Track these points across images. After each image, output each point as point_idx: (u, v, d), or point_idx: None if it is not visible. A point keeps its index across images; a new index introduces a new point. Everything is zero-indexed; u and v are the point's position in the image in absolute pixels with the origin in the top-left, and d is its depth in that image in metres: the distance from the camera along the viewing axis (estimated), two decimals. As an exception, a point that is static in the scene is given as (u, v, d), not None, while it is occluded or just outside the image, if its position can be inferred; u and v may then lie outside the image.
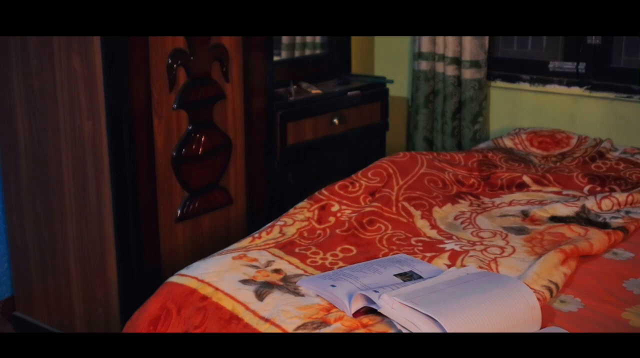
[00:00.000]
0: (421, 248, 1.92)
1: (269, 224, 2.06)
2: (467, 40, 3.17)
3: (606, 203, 2.22)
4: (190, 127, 2.39)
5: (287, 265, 1.80)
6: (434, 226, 2.10)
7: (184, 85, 2.36)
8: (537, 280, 1.69)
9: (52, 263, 2.53)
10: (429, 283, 1.55)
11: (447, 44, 3.23)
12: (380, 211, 2.14)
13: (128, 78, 2.21)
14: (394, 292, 1.48)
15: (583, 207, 2.18)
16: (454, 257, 1.84)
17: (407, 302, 1.44)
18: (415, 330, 1.39)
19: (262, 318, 1.54)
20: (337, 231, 2.03)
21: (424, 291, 1.50)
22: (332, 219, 2.11)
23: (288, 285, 1.68)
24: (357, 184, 2.27)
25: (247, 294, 1.63)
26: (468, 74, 3.21)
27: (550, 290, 1.66)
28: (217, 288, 1.66)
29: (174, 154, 2.36)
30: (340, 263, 1.83)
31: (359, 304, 1.52)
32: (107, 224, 2.30)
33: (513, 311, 1.48)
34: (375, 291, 1.51)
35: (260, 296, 1.62)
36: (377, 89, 3.17)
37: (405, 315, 1.42)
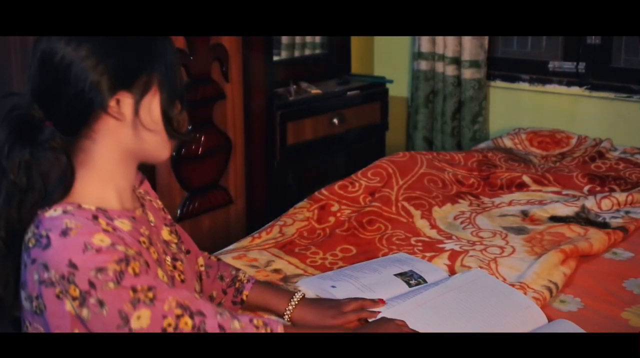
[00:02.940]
0: (421, 248, 1.92)
1: (269, 224, 2.06)
2: (467, 40, 3.17)
3: (606, 203, 2.22)
4: (189, 127, 2.39)
5: (287, 265, 1.80)
6: (433, 226, 2.10)
7: (184, 85, 2.36)
8: (536, 280, 1.69)
9: (51, 263, 2.53)
10: (420, 299, 1.53)
11: (446, 44, 3.23)
12: (380, 211, 2.14)
13: (128, 78, 2.21)
14: (385, 311, 1.47)
15: (583, 206, 2.18)
16: (453, 257, 1.84)
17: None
18: None
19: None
20: (337, 231, 2.03)
21: (413, 306, 1.49)
22: (331, 219, 2.10)
23: (288, 285, 1.68)
24: (357, 184, 2.27)
25: (247, 294, 1.63)
26: (468, 73, 3.21)
27: (550, 290, 1.66)
28: (216, 288, 1.66)
29: (174, 153, 2.36)
30: (340, 263, 1.83)
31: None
32: (106, 224, 2.30)
33: (506, 318, 1.48)
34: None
35: (260, 296, 1.62)
36: (376, 88, 3.18)
37: None
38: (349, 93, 3.03)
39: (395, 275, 1.66)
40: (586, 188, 2.42)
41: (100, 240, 1.12)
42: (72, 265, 1.10)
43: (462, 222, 2.12)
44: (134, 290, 1.13)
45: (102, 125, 1.17)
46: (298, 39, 3.22)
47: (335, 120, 2.93)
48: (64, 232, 1.11)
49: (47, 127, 1.15)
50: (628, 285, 1.73)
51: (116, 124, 1.17)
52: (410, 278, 1.65)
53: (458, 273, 1.70)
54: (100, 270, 1.10)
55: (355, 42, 3.44)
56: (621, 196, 2.26)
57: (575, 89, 3.10)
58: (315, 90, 2.94)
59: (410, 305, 1.50)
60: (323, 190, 2.22)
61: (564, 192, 2.39)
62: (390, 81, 3.23)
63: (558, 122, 3.11)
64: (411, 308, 1.48)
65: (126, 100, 1.17)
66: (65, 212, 1.14)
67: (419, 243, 1.96)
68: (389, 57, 3.59)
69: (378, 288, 1.59)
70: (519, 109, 3.26)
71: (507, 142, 2.91)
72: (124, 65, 1.16)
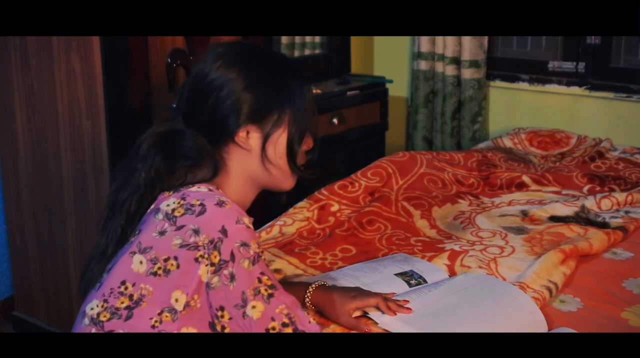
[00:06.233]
0: (420, 248, 1.92)
1: (269, 224, 2.06)
2: (467, 40, 3.17)
3: (605, 203, 2.22)
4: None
5: (287, 265, 1.80)
6: (433, 226, 2.10)
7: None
8: (536, 280, 1.69)
9: (51, 263, 2.53)
10: (425, 301, 1.53)
11: (446, 44, 3.23)
12: (380, 211, 2.14)
13: (127, 78, 2.21)
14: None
15: (582, 206, 2.18)
16: (453, 257, 1.84)
17: (401, 323, 1.43)
18: None
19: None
20: (337, 231, 2.03)
21: (418, 307, 1.49)
22: (331, 219, 2.11)
23: (288, 285, 1.68)
24: (357, 184, 2.27)
25: (246, 294, 1.63)
26: (467, 73, 3.21)
27: (550, 290, 1.66)
28: (216, 288, 1.66)
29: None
30: (340, 263, 1.83)
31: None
32: (106, 224, 2.30)
33: (511, 321, 1.47)
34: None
35: (260, 296, 1.62)
36: (376, 88, 3.17)
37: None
38: (348, 93, 3.03)
39: (396, 274, 1.66)
40: (586, 188, 2.42)
41: (249, 221, 1.25)
42: (224, 231, 1.21)
43: (461, 222, 2.12)
44: (259, 279, 1.23)
45: (233, 150, 1.33)
46: (298, 39, 3.21)
47: (335, 120, 2.93)
48: (219, 203, 1.23)
49: (188, 131, 1.30)
50: (628, 285, 1.73)
51: (245, 153, 1.33)
52: (411, 278, 1.65)
53: (462, 274, 1.69)
54: (244, 244, 1.22)
55: (355, 42, 3.44)
56: (621, 196, 2.26)
57: (575, 89, 3.10)
58: (315, 90, 2.94)
59: (416, 305, 1.50)
60: (323, 190, 2.21)
61: (564, 192, 2.39)
62: (390, 81, 3.23)
63: (558, 122, 3.11)
64: (417, 309, 1.48)
65: (254, 134, 1.32)
66: (210, 190, 1.26)
67: (419, 243, 1.96)
68: (389, 57, 3.59)
69: (378, 287, 1.58)
70: (519, 108, 3.27)
71: (507, 142, 2.92)
72: (258, 102, 1.31)
